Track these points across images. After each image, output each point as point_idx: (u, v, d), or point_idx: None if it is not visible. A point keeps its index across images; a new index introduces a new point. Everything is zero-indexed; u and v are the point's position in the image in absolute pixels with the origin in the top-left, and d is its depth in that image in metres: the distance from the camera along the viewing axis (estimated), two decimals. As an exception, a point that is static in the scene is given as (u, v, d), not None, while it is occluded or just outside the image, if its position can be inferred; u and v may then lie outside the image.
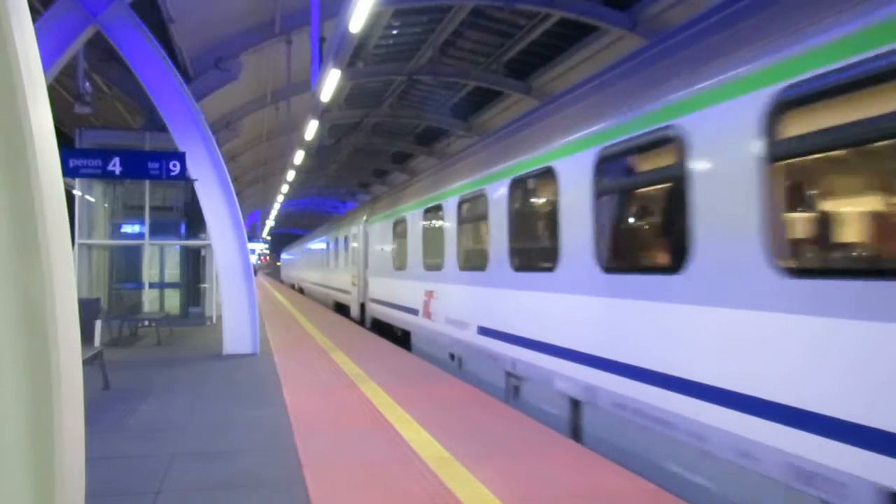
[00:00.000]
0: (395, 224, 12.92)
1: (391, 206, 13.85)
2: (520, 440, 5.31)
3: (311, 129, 16.49)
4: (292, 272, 47.33)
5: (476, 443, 5.21)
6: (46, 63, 8.65)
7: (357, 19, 8.82)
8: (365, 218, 16.32)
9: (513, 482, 4.28)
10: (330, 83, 11.91)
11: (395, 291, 13.10)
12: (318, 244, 27.79)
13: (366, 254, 16.11)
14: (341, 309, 20.37)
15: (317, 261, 28.45)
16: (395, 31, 17.44)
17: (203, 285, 16.53)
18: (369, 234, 15.74)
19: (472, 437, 5.40)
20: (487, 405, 6.62)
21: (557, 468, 4.56)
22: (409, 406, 6.51)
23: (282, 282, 54.11)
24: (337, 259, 21.68)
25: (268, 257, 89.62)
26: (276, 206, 44.27)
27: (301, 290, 36.69)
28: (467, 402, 6.80)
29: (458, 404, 6.67)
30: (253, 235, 56.46)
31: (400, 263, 12.65)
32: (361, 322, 16.27)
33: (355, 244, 17.65)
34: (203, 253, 16.20)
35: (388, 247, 13.75)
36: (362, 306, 16.47)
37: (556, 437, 5.42)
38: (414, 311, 11.63)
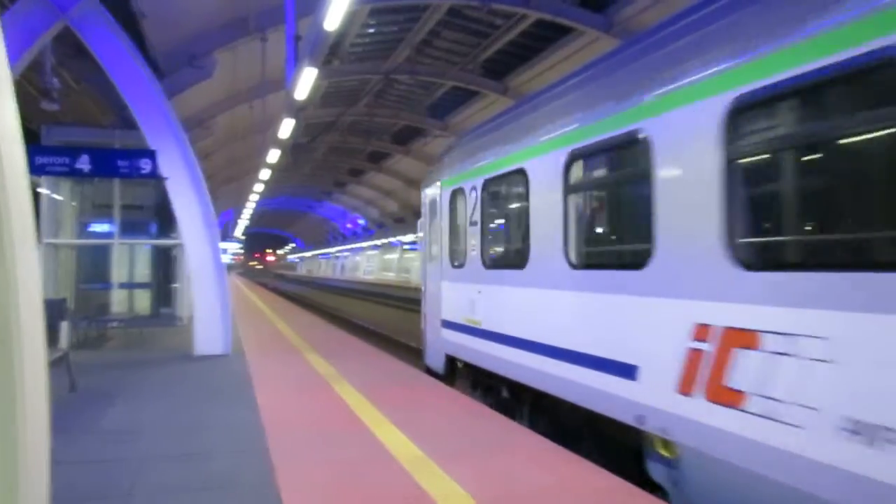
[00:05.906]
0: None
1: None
2: (493, 438, 5.33)
3: (286, 128, 16.35)
4: None
5: (450, 441, 5.22)
6: (13, 58, 8.42)
7: (333, 17, 8.76)
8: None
9: (486, 480, 4.29)
10: (305, 81, 11.82)
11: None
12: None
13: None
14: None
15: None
16: (371, 30, 17.39)
17: (174, 285, 16.28)
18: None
19: (446, 435, 5.41)
20: (461, 404, 6.64)
21: (531, 466, 4.59)
22: (382, 406, 6.49)
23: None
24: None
25: (241, 256, 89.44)
26: (251, 206, 43.78)
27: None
28: (441, 401, 6.81)
29: (431, 404, 6.68)
30: (225, 235, 55.74)
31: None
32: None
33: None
34: (174, 252, 15.96)
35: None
36: None
37: (531, 434, 5.46)
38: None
